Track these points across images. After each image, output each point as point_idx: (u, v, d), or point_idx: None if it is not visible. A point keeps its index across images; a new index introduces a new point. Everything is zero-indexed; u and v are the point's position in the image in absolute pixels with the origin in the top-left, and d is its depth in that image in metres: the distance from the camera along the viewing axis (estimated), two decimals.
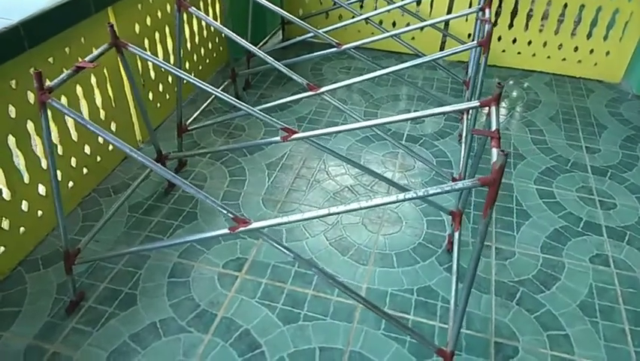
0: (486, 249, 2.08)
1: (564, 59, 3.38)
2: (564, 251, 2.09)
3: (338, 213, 1.37)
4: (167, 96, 2.75)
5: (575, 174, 2.52)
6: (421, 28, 3.50)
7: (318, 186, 2.39)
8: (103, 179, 2.34)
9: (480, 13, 2.20)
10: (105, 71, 2.21)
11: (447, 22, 3.48)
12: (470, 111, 2.77)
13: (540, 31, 3.33)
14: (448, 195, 2.33)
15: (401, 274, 1.95)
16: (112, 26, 1.71)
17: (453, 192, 2.30)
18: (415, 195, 1.29)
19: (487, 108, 1.48)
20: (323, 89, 2.12)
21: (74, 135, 2.11)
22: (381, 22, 3.49)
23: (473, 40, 2.89)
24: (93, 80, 2.15)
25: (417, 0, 2.90)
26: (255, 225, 1.45)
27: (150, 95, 2.60)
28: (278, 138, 1.87)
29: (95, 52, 1.67)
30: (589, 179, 2.50)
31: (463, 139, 2.55)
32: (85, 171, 2.22)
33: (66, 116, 2.01)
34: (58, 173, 1.99)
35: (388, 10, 2.85)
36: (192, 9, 2.13)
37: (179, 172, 2.44)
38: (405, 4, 2.91)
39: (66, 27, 1.85)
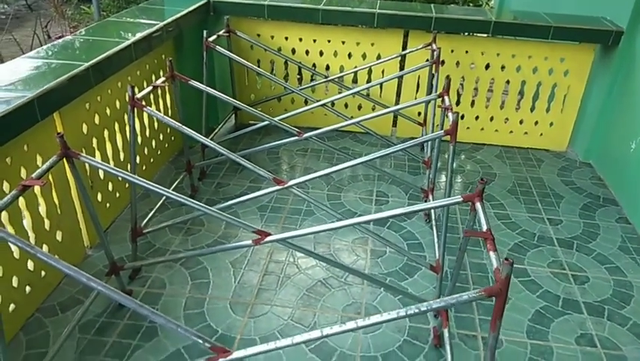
0: (473, 340, 1.98)
1: (511, 132, 3.51)
2: (549, 334, 2.03)
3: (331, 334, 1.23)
4: (117, 195, 2.57)
5: (544, 249, 2.52)
6: (373, 108, 3.56)
7: (289, 282, 2.24)
8: (48, 295, 2.09)
9: (439, 100, 2.22)
10: (50, 177, 2.02)
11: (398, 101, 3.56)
12: (432, 191, 2.77)
13: (486, 107, 3.46)
14: (425, 282, 2.25)
15: None
16: (62, 136, 1.56)
17: (426, 277, 2.24)
18: (416, 311, 1.19)
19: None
20: (291, 182, 2.03)
21: (16, 253, 1.87)
22: (333, 104, 3.51)
23: (427, 124, 2.96)
24: (37, 189, 1.96)
25: (371, 86, 2.93)
26: (237, 354, 1.28)
27: (99, 197, 2.41)
28: (249, 242, 1.73)
29: (44, 166, 1.51)
30: (557, 252, 2.50)
31: (433, 222, 2.52)
32: (28, 289, 1.97)
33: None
34: None
35: (345, 96, 2.86)
36: (147, 109, 2.03)
37: (134, 279, 2.22)
38: (359, 91, 2.94)
39: (9, 139, 1.68)
